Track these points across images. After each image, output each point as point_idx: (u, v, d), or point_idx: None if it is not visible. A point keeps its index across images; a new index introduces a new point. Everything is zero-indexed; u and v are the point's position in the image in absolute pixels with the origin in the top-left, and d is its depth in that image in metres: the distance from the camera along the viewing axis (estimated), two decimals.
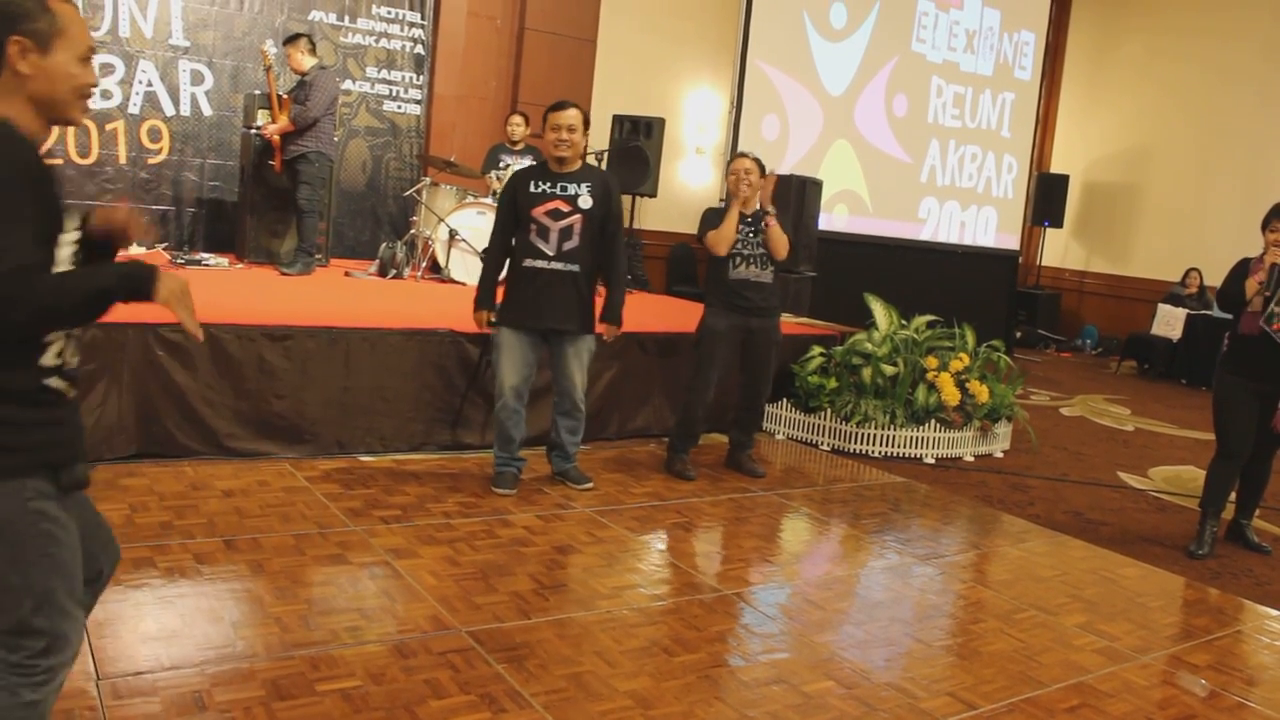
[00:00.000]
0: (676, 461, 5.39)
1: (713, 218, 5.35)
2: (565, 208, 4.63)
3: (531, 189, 4.65)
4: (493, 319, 4.70)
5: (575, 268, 4.65)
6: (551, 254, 4.62)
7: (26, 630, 1.88)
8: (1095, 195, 13.77)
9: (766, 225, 5.25)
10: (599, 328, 4.83)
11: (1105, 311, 13.51)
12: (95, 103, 7.47)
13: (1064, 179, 13.44)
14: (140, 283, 1.83)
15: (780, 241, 5.24)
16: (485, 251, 4.97)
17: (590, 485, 4.92)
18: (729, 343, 5.32)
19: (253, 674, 2.82)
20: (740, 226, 5.27)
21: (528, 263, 4.63)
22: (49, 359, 1.89)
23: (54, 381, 1.90)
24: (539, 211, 4.62)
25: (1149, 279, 12.76)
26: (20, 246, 1.74)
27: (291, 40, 7.23)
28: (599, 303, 4.81)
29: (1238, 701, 3.36)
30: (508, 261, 4.75)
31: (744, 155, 5.45)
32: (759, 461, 5.65)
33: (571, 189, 4.65)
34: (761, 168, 5.36)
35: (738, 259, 5.27)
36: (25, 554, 1.86)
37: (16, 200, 1.75)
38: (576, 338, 4.72)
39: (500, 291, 4.75)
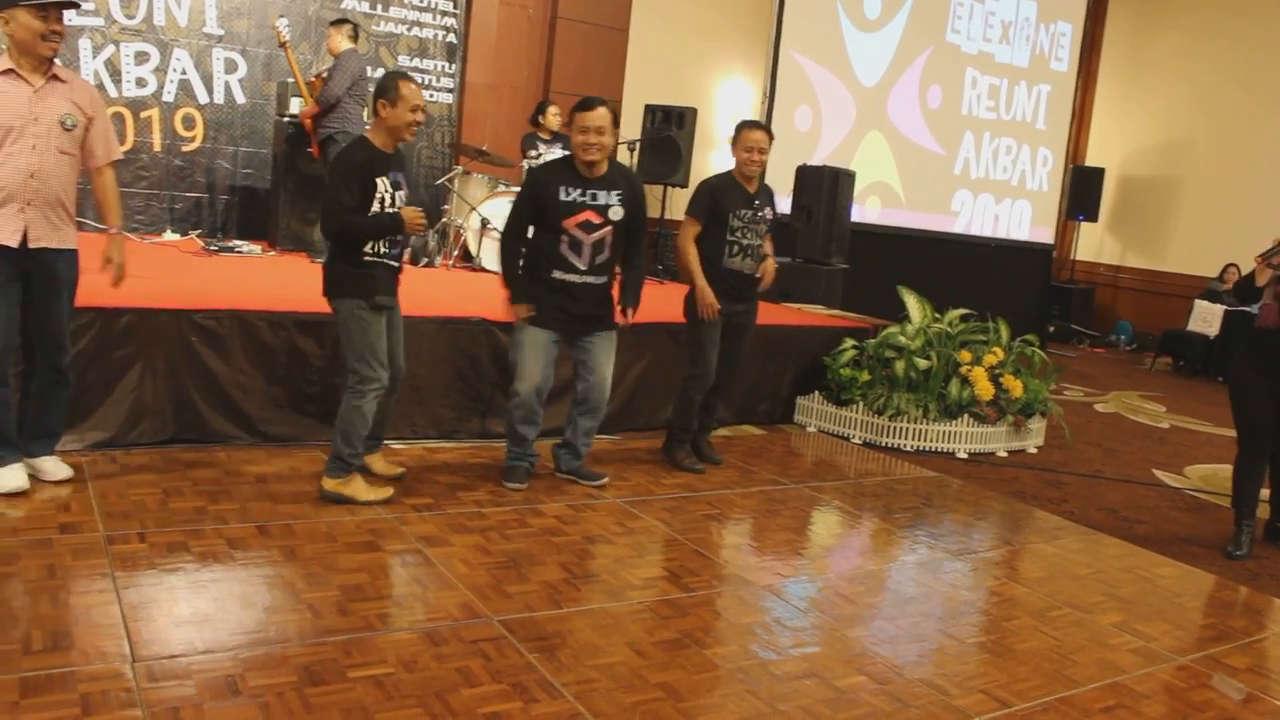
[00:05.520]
0: (679, 452, 5.24)
1: (704, 196, 5.08)
2: (596, 219, 4.44)
3: (562, 196, 4.42)
4: (530, 311, 4.48)
5: (605, 279, 4.55)
6: (584, 268, 4.46)
7: None
8: (1131, 189, 13.58)
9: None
10: (617, 317, 4.68)
11: (1140, 307, 13.33)
12: (130, 90, 7.53)
13: (1099, 172, 13.27)
14: None
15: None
16: (501, 243, 4.72)
17: (605, 481, 4.78)
18: (717, 324, 5.15)
19: (285, 659, 2.83)
20: (743, 211, 5.08)
21: (557, 275, 4.45)
22: None
23: None
24: (571, 223, 4.42)
25: (1186, 274, 12.56)
26: None
27: (335, 23, 7.23)
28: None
29: (1278, 705, 3.30)
30: (530, 264, 4.53)
31: (756, 126, 5.16)
32: (716, 449, 5.46)
33: (602, 198, 4.45)
34: (770, 137, 5.12)
35: (734, 248, 5.09)
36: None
37: None
38: (604, 333, 4.62)
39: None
